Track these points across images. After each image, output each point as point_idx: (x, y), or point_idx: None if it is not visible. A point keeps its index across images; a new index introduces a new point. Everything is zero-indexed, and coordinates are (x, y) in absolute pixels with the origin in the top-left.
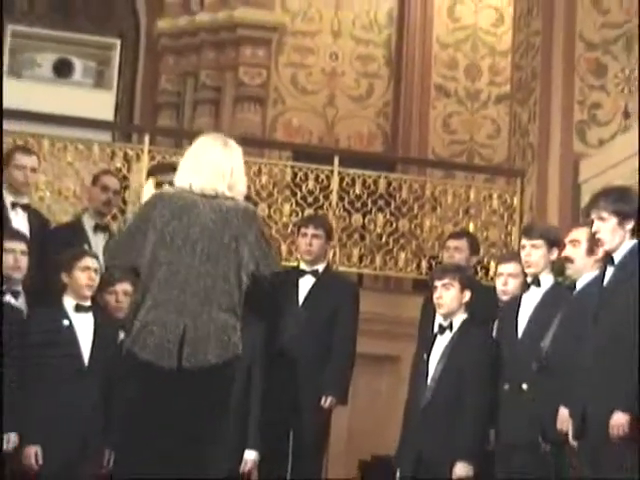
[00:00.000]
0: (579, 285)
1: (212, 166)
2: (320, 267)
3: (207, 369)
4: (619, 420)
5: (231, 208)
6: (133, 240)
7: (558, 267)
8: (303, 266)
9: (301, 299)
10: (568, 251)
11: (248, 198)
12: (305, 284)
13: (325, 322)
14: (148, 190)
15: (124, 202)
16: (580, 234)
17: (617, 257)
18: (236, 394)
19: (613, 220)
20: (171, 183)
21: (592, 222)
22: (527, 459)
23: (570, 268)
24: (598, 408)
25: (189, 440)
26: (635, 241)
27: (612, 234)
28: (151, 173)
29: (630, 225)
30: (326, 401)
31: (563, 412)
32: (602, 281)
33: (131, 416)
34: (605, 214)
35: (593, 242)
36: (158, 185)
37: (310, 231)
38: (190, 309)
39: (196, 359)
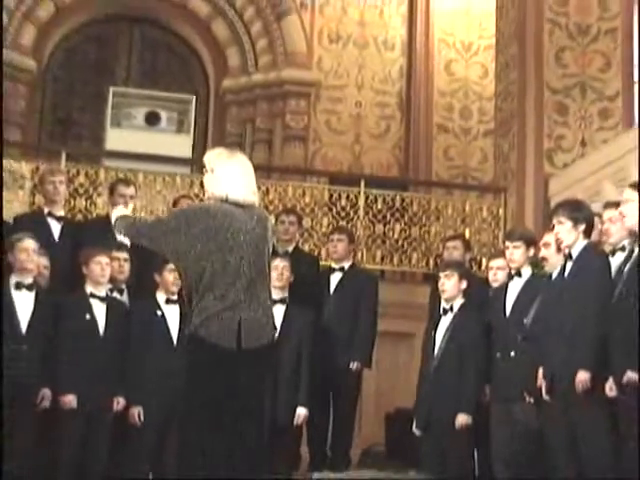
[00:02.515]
0: (554, 276)
1: (247, 179)
2: (346, 265)
3: (260, 348)
4: (582, 377)
5: (260, 216)
6: (174, 236)
7: (535, 262)
8: (334, 265)
9: (332, 290)
10: (543, 252)
11: (296, 214)
12: (335, 278)
13: (351, 306)
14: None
15: None
16: (550, 237)
17: (574, 253)
18: (290, 366)
19: (569, 224)
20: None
21: (554, 226)
22: (515, 410)
23: (546, 265)
24: (565, 369)
25: (248, 402)
26: (587, 240)
27: (568, 234)
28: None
29: (582, 228)
30: (354, 365)
31: (541, 373)
32: (564, 272)
33: (200, 386)
34: (563, 219)
35: (560, 242)
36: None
37: (335, 237)
38: (243, 302)
39: (252, 341)
